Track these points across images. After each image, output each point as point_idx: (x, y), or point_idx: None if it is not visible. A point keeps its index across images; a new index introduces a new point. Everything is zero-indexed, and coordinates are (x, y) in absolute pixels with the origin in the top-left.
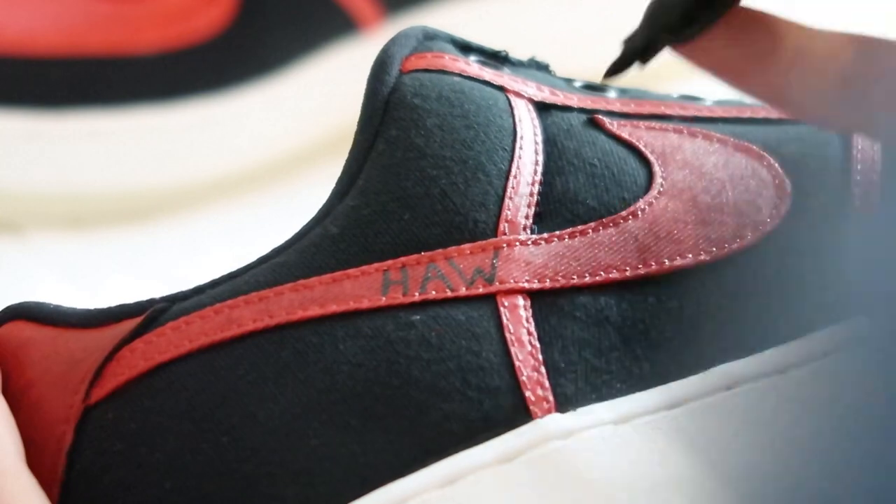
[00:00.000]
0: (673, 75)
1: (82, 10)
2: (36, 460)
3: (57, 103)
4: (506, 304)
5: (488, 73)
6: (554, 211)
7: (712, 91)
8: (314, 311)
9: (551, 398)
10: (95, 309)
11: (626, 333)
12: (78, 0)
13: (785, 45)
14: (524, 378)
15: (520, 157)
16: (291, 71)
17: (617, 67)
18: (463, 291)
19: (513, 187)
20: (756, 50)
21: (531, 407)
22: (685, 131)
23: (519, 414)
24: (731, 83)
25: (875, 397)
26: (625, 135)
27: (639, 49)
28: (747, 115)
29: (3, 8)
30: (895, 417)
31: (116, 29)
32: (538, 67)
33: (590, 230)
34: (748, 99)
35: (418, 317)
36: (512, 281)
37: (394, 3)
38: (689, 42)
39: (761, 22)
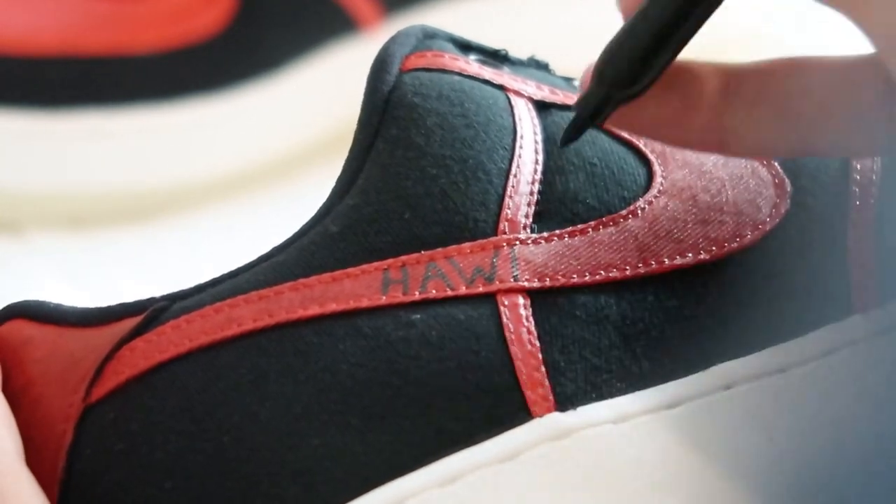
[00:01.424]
0: None
1: (82, 9)
2: (36, 459)
3: (57, 103)
4: (506, 303)
5: (488, 72)
6: (554, 210)
7: None
8: (314, 311)
9: (551, 397)
10: (96, 308)
11: (626, 332)
12: (77, 0)
13: (707, 86)
14: (524, 377)
15: (520, 156)
16: (291, 71)
17: (572, 133)
18: (463, 290)
19: (513, 186)
20: (684, 100)
21: (531, 406)
22: None
23: (519, 413)
24: (671, 142)
25: (873, 396)
26: (624, 134)
27: (591, 110)
28: None
29: (3, 8)
30: (893, 416)
31: (116, 29)
32: (538, 66)
33: (590, 229)
34: None
35: (418, 316)
36: (512, 280)
37: (394, 3)
38: (637, 98)
39: (680, 71)
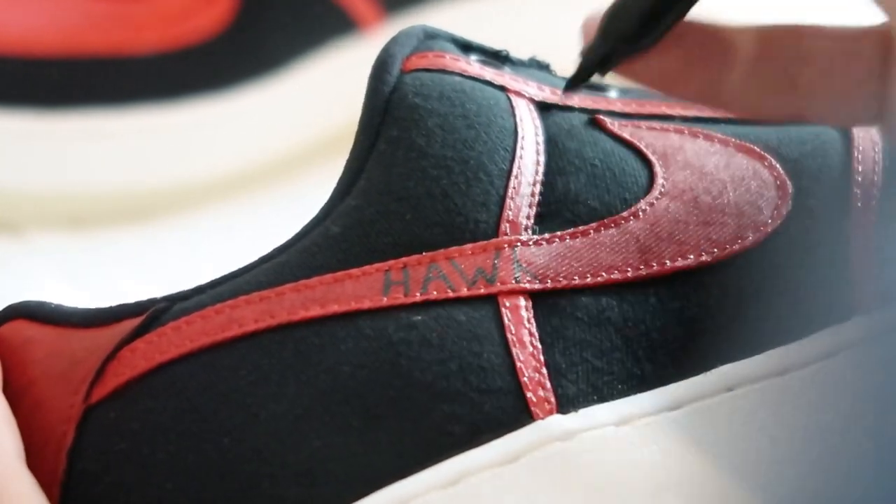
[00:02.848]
0: None
1: (82, 9)
2: (36, 460)
3: (57, 103)
4: (507, 304)
5: (489, 73)
6: (555, 211)
7: None
8: (316, 312)
9: (553, 399)
10: (96, 308)
11: (628, 334)
12: (77, 0)
13: (732, 47)
14: (525, 379)
15: (521, 158)
16: (291, 71)
17: (575, 80)
18: (464, 292)
19: (514, 187)
20: (706, 58)
21: (532, 408)
22: (686, 132)
23: (520, 415)
24: (683, 96)
25: (875, 398)
26: (626, 135)
27: (596, 61)
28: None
29: (3, 8)
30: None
31: (116, 29)
32: (539, 67)
33: (591, 231)
34: None
35: (420, 317)
36: (513, 281)
37: (394, 3)
38: (643, 53)
39: (703, 30)
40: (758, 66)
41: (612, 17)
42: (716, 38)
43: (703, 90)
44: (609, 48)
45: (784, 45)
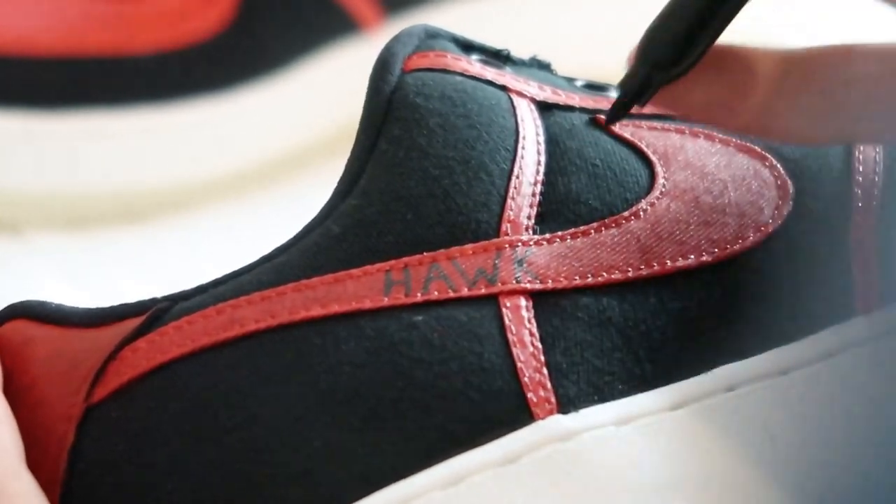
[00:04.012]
0: None
1: (81, 10)
2: (37, 459)
3: (56, 103)
4: (508, 304)
5: (490, 73)
6: (556, 211)
7: None
8: (316, 312)
9: (553, 399)
10: (98, 308)
11: (628, 334)
12: (77, 0)
13: (760, 72)
14: (526, 379)
15: (522, 158)
16: (291, 71)
17: (617, 112)
18: (465, 292)
19: (515, 187)
20: (736, 84)
21: (533, 408)
22: (687, 131)
23: (521, 415)
24: (717, 123)
25: (876, 398)
26: (627, 135)
27: (635, 90)
28: None
29: (3, 8)
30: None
31: (115, 29)
32: (540, 66)
33: (592, 231)
34: None
35: (420, 317)
36: (514, 282)
37: (394, 3)
38: (679, 79)
39: (732, 55)
40: (802, 91)
41: (649, 39)
42: (759, 64)
43: (749, 120)
44: (647, 74)
45: (827, 68)
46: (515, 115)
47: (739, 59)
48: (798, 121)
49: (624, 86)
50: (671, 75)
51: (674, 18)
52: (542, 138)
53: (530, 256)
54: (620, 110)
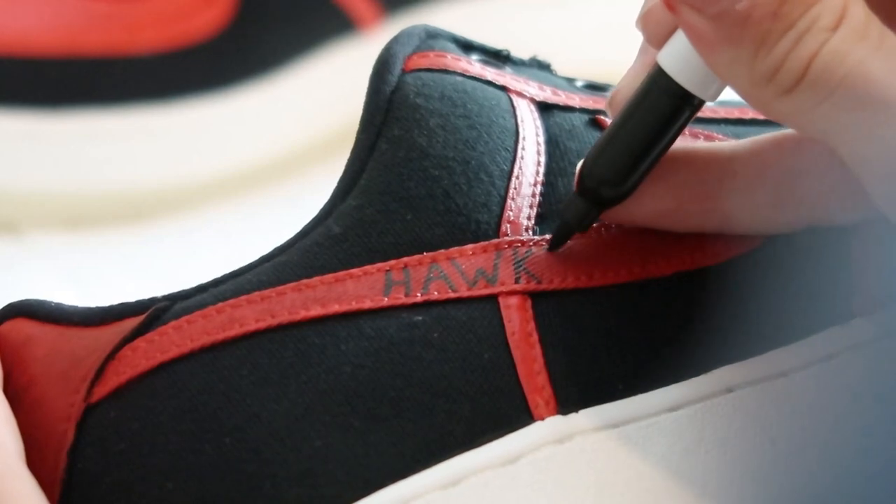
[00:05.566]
0: None
1: (81, 9)
2: (37, 459)
3: (56, 103)
4: (508, 304)
5: (490, 73)
6: (556, 212)
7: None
8: (316, 311)
9: (553, 400)
10: (97, 307)
11: (628, 335)
12: (77, 0)
13: (709, 177)
14: (526, 379)
15: (522, 158)
16: (291, 71)
17: (559, 242)
18: (465, 292)
19: (515, 188)
20: (684, 192)
21: (533, 408)
22: (687, 132)
23: (521, 415)
24: (670, 229)
25: (875, 400)
26: None
27: (577, 219)
28: (749, 115)
29: (3, 8)
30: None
31: (115, 29)
32: (540, 67)
33: (592, 231)
34: None
35: (420, 317)
36: (514, 282)
37: (393, 3)
38: (625, 198)
39: (677, 164)
40: (756, 188)
41: (589, 166)
42: (708, 170)
43: (702, 222)
44: (587, 205)
45: (779, 161)
46: (515, 116)
47: (685, 166)
48: (754, 217)
49: (566, 212)
50: (615, 199)
51: (614, 146)
52: (542, 139)
53: (530, 257)
54: (562, 240)
